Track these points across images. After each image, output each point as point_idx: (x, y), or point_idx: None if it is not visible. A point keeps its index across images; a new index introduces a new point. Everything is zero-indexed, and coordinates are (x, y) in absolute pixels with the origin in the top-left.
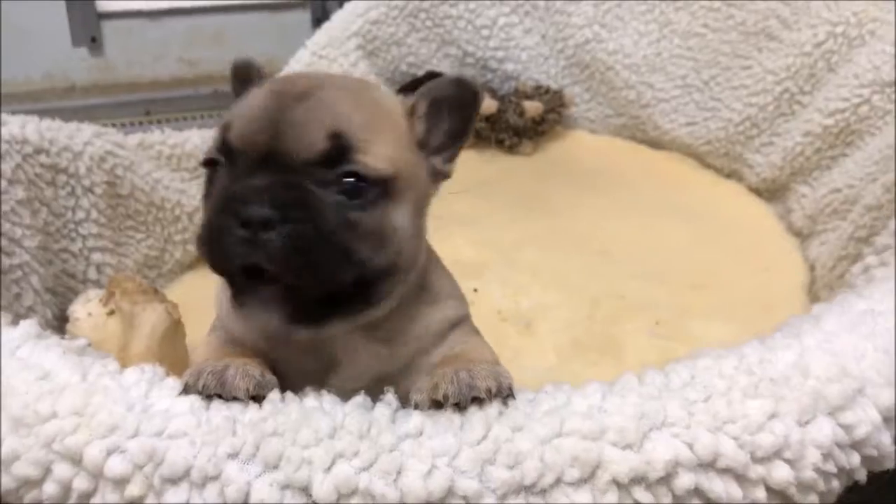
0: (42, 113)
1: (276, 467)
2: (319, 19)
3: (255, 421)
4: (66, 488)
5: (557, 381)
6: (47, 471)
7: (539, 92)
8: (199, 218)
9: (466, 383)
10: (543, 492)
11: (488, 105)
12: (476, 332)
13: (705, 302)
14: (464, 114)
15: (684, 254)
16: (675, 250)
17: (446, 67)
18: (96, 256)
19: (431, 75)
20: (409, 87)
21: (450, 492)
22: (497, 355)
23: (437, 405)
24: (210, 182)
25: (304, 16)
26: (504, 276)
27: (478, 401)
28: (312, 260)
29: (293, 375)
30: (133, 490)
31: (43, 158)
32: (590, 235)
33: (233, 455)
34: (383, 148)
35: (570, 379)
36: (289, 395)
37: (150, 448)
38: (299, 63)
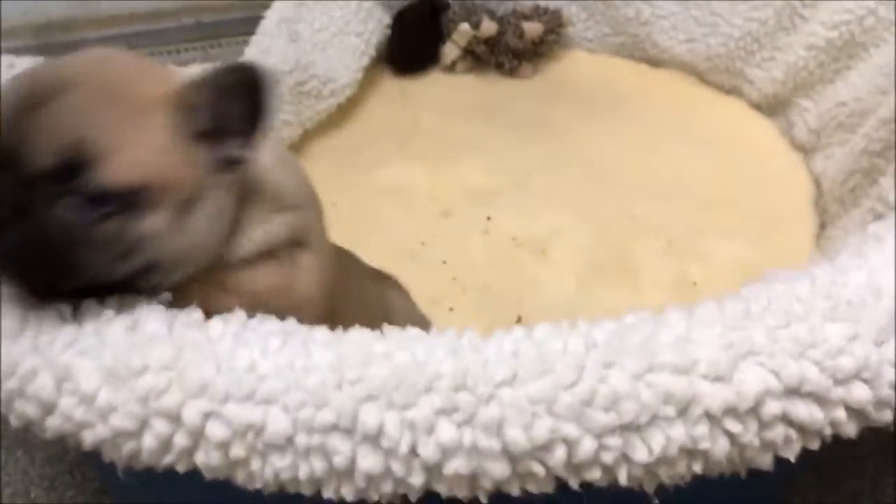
0: (21, 52)
1: (379, 435)
2: None
3: (347, 384)
4: (166, 443)
5: (579, 305)
6: (145, 424)
7: (538, 12)
8: None
9: None
10: (639, 428)
11: (487, 27)
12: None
13: (715, 219)
14: (254, 99)
15: (690, 172)
16: (681, 169)
17: None
18: None
19: None
20: (406, 12)
21: (551, 439)
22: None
23: None
24: None
25: None
26: (515, 202)
27: None
28: (35, 269)
29: None
30: (237, 452)
31: None
32: (596, 157)
33: (334, 427)
34: (126, 158)
35: (592, 302)
36: (374, 343)
37: (247, 418)
38: None
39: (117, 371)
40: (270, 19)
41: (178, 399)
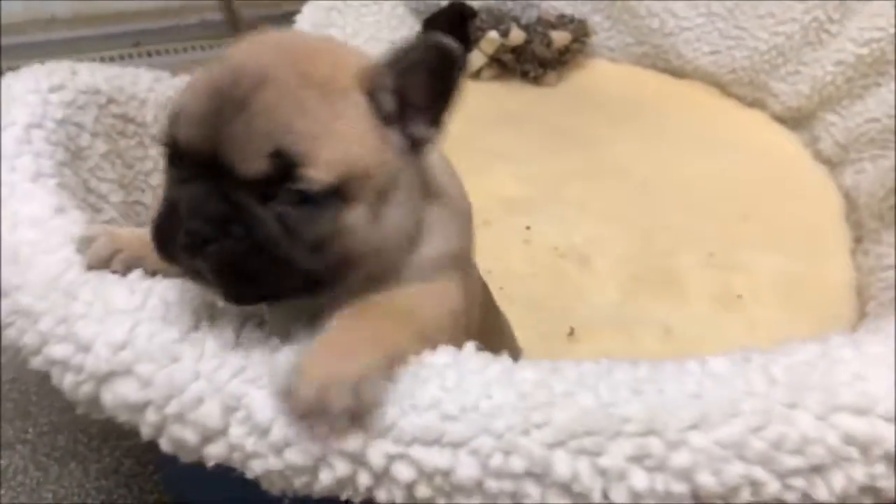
0: (25, 48)
1: (571, 481)
2: None
3: (534, 428)
4: (347, 480)
5: (628, 316)
6: (323, 462)
7: (563, 21)
8: None
9: (323, 405)
10: (823, 469)
11: (516, 36)
12: (451, 277)
13: (752, 231)
14: (445, 78)
15: (721, 183)
16: (712, 179)
17: None
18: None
19: (454, 6)
20: (435, 18)
21: (740, 484)
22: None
23: None
24: (167, 162)
25: None
26: (553, 211)
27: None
28: (252, 274)
29: None
30: (423, 492)
31: (114, 108)
32: (627, 166)
33: (525, 473)
34: (332, 153)
35: (640, 313)
36: (552, 381)
37: (435, 462)
38: None
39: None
40: (302, 24)
41: (362, 440)
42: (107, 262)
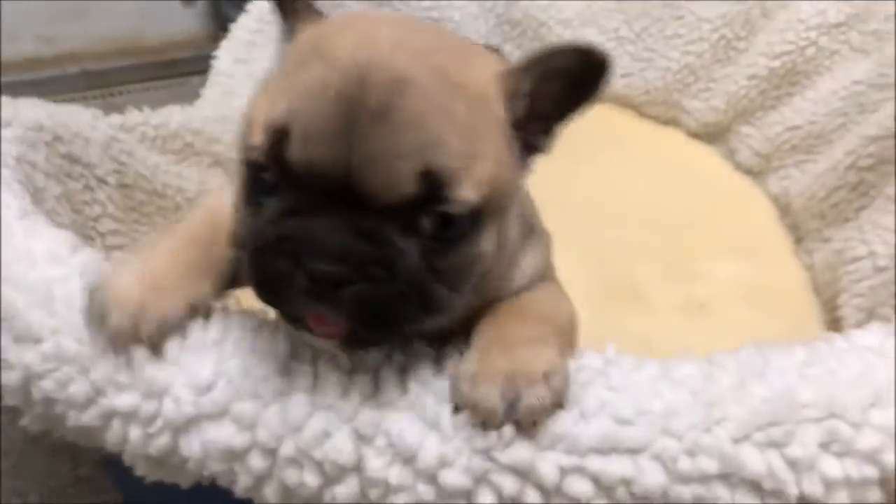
0: None
1: (763, 476)
2: None
3: (715, 424)
4: (508, 498)
5: (599, 334)
6: (483, 480)
7: None
8: None
9: (510, 401)
10: None
11: None
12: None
13: (699, 242)
14: (583, 88)
15: (654, 199)
16: (644, 197)
17: None
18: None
19: None
20: None
21: None
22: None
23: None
24: (252, 188)
25: None
26: None
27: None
28: (389, 315)
29: None
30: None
31: (60, 147)
32: (563, 190)
33: (716, 475)
34: (482, 170)
35: (611, 329)
36: (715, 373)
37: (617, 473)
38: (243, 30)
39: (443, 417)
40: (224, 61)
41: (530, 453)
42: (135, 335)
